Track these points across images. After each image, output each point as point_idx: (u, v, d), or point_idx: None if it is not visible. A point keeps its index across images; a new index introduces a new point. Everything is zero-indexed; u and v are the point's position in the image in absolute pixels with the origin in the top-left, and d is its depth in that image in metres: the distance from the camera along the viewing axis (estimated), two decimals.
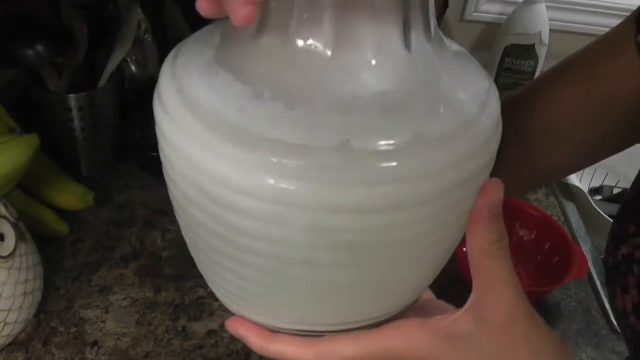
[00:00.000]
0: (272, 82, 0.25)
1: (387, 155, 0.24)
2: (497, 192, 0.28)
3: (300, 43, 0.25)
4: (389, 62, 0.26)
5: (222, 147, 0.25)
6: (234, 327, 0.33)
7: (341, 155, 0.24)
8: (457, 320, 0.30)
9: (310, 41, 0.25)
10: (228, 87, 0.26)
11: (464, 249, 0.33)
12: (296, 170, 0.24)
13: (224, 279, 0.32)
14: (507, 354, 0.29)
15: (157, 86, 0.30)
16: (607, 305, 0.74)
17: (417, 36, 0.27)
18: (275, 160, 0.24)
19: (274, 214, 0.25)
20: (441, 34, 0.30)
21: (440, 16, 0.43)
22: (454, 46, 0.32)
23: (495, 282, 0.30)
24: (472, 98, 0.28)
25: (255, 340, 0.32)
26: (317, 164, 0.24)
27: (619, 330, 0.40)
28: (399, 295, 0.32)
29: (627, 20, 0.42)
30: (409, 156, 0.25)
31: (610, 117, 0.42)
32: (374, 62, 0.26)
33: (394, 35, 0.26)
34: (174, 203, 0.32)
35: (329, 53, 0.25)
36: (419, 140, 0.25)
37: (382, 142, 0.24)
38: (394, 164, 0.24)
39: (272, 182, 0.24)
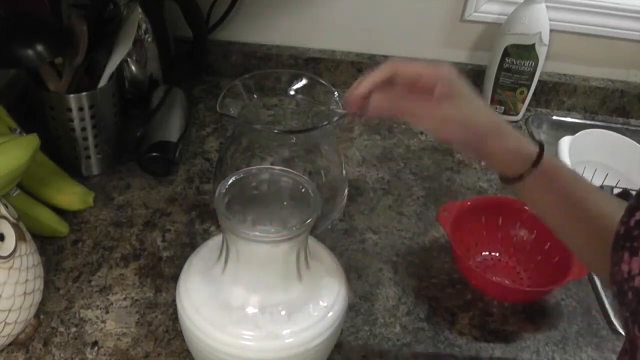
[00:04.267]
0: (227, 289, 0.55)
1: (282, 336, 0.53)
2: None
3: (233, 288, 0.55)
4: (288, 289, 0.55)
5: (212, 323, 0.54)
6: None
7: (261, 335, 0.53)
8: None
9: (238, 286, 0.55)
10: (208, 289, 0.56)
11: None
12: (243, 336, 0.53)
13: None
14: None
15: (182, 276, 0.60)
16: (607, 305, 0.74)
17: (304, 273, 0.55)
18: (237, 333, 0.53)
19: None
20: (316, 268, 0.58)
21: None
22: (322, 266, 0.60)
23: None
24: (317, 308, 0.55)
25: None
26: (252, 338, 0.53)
27: (618, 300, 0.39)
28: None
29: None
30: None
31: None
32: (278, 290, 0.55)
33: (293, 278, 0.55)
34: (188, 335, 0.58)
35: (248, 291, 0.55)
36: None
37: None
38: (291, 340, 0.53)
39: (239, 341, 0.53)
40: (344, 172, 0.75)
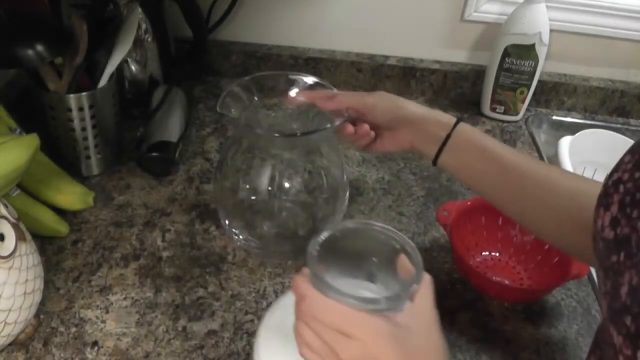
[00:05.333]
0: None
1: None
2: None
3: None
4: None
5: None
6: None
7: None
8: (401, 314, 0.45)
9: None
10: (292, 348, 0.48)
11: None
12: None
13: None
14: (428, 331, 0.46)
15: (261, 337, 0.55)
16: None
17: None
18: None
19: None
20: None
21: None
22: None
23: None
24: None
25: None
26: None
27: (594, 252, 0.43)
28: None
29: None
30: None
31: None
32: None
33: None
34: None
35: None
36: None
37: None
38: None
39: None
40: (344, 175, 0.75)
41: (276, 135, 0.70)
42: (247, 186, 0.73)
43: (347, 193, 0.76)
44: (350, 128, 0.67)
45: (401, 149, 0.68)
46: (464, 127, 0.64)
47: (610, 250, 0.39)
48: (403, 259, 0.48)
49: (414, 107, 0.66)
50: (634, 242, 0.37)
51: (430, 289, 0.47)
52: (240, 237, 0.75)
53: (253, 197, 0.74)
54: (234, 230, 0.75)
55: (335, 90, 0.69)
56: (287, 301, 0.54)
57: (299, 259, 0.75)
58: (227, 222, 0.75)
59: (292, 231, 0.75)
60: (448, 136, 0.64)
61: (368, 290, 0.50)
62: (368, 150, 0.71)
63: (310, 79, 0.72)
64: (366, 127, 0.67)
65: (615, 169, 0.43)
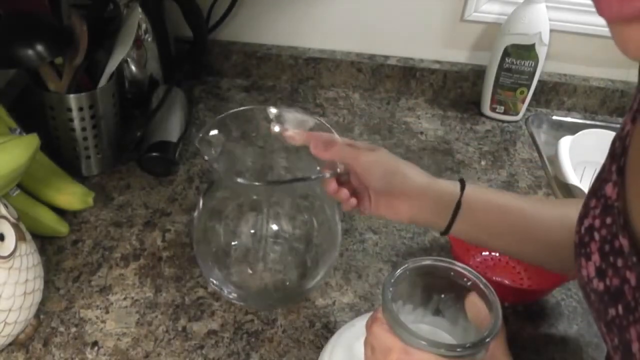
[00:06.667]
0: None
1: None
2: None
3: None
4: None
5: None
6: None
7: None
8: None
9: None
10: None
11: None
12: None
13: None
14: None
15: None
16: None
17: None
18: None
19: None
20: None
21: None
22: None
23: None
24: None
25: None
26: None
27: (586, 302, 0.44)
28: None
29: None
30: None
31: None
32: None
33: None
34: None
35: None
36: None
37: None
38: None
39: None
40: (338, 223, 0.69)
41: (257, 184, 0.66)
42: (229, 232, 0.69)
43: (340, 237, 0.69)
44: (333, 186, 0.60)
45: (398, 220, 0.62)
46: (471, 189, 0.60)
47: (604, 303, 0.39)
48: (472, 297, 0.48)
49: (413, 178, 0.60)
50: (629, 294, 0.36)
51: (503, 336, 0.47)
52: (223, 288, 0.68)
53: (235, 243, 0.69)
54: (212, 280, 0.69)
55: (335, 136, 0.61)
56: (347, 338, 0.59)
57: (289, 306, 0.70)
58: (205, 269, 0.69)
59: (278, 280, 0.70)
60: (458, 204, 0.59)
61: (434, 324, 0.51)
62: (359, 212, 0.64)
63: (310, 119, 0.64)
64: (345, 192, 0.60)
65: (585, 215, 0.43)
